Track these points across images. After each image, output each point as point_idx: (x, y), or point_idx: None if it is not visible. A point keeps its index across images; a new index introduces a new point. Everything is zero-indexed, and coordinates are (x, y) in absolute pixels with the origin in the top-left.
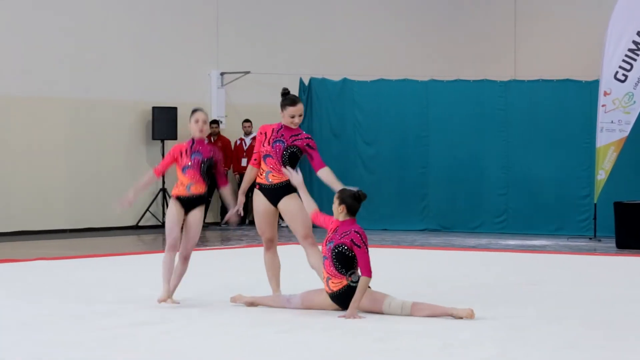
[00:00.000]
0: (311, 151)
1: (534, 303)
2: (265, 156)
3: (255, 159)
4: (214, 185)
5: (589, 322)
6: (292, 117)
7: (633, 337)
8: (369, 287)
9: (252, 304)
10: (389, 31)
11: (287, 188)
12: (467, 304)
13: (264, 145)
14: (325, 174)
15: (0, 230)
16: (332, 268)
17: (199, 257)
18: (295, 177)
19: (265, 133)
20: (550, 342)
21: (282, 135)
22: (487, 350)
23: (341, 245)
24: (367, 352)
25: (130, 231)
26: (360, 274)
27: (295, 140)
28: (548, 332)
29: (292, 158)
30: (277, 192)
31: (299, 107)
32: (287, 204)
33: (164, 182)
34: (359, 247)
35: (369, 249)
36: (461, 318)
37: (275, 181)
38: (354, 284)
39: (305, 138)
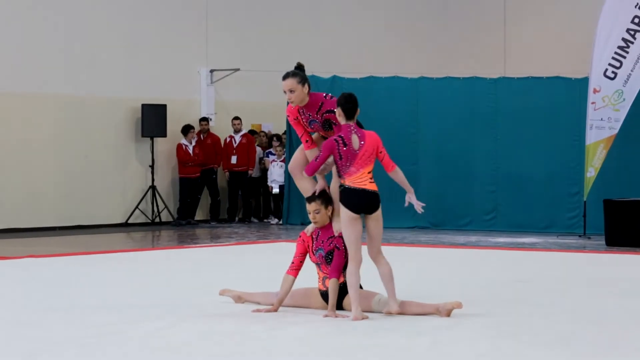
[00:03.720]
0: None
1: (524, 300)
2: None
3: (307, 141)
4: (204, 183)
5: (579, 318)
6: (284, 92)
7: (623, 333)
8: (361, 286)
9: (239, 298)
10: (379, 28)
11: None
12: None
13: (306, 129)
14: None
15: None
16: (329, 269)
17: (187, 254)
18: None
19: (297, 117)
20: (541, 338)
21: (310, 114)
22: (478, 347)
23: (333, 250)
24: (358, 349)
25: (120, 228)
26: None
27: (324, 114)
28: (538, 328)
29: (328, 124)
30: None
31: (285, 83)
32: None
33: (153, 179)
34: (339, 249)
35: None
36: (449, 315)
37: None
38: None
39: (326, 112)
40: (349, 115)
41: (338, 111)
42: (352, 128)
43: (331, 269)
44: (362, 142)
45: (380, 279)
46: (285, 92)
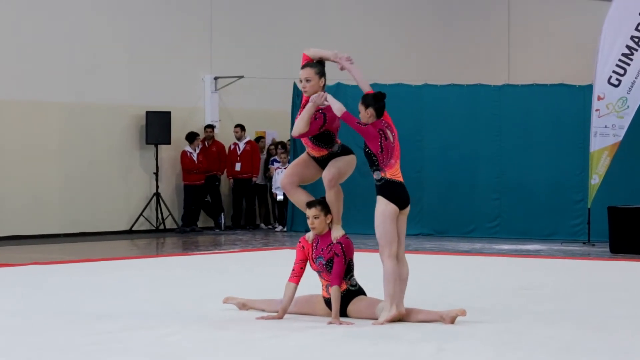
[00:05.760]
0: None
1: (528, 307)
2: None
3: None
4: (208, 190)
5: (584, 326)
6: (300, 81)
7: (627, 341)
8: (364, 292)
9: (244, 305)
10: (384, 36)
11: (330, 158)
12: None
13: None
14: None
15: None
16: (330, 276)
17: (192, 261)
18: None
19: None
20: (545, 346)
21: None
22: (482, 355)
23: (332, 258)
24: (362, 356)
25: (124, 235)
26: (351, 280)
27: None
28: (542, 336)
29: (325, 138)
30: (322, 163)
31: (303, 72)
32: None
33: (157, 187)
34: (338, 255)
35: (360, 253)
36: (453, 322)
37: (316, 155)
38: (353, 288)
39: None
40: (380, 114)
41: (368, 112)
42: (383, 122)
43: (332, 277)
44: (394, 134)
45: (383, 278)
46: (301, 81)
